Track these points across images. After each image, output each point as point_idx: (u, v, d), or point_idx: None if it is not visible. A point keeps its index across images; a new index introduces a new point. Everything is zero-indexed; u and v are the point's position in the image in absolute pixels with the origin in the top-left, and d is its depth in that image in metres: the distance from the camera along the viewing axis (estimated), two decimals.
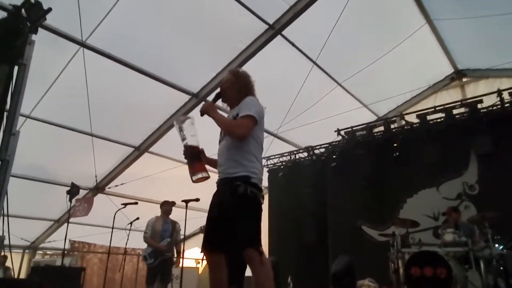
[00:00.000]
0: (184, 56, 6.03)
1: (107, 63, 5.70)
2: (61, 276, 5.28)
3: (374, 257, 5.79)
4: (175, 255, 5.78)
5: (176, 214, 5.91)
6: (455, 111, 6.40)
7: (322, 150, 7.99)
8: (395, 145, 6.71)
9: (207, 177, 2.49)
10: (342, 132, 7.48)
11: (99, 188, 8.19)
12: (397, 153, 6.63)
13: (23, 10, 2.35)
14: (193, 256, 10.03)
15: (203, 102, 6.53)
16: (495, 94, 6.07)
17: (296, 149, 8.45)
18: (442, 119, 6.48)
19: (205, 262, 9.96)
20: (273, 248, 7.77)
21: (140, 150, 7.61)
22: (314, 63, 6.70)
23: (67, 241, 6.38)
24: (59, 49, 5.29)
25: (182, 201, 5.03)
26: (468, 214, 5.50)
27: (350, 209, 6.89)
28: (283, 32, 6.00)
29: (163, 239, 5.56)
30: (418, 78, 8.10)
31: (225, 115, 2.56)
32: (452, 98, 7.55)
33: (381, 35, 6.76)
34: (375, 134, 7.22)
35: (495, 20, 6.02)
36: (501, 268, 4.25)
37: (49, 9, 2.41)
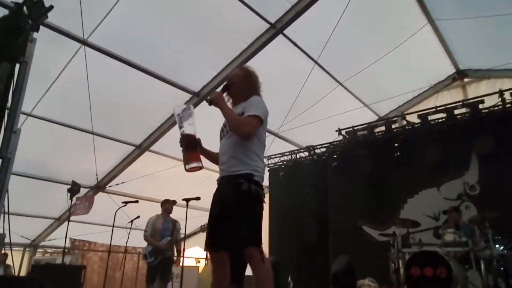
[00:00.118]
0: (186, 54, 6.03)
1: (108, 61, 5.70)
2: (61, 274, 5.29)
3: (375, 257, 5.79)
4: (175, 254, 5.78)
5: (176, 213, 5.91)
6: (456, 111, 6.39)
7: (323, 149, 7.99)
8: (396, 145, 6.70)
9: (201, 167, 2.46)
10: (343, 132, 7.47)
11: (100, 186, 8.20)
12: (398, 153, 6.62)
13: (24, 8, 2.34)
14: (193, 255, 10.03)
15: (204, 101, 6.54)
16: (497, 95, 6.07)
17: (297, 148, 8.45)
18: (444, 119, 6.48)
19: (205, 261, 9.98)
20: (274, 248, 7.78)
21: (141, 149, 7.62)
22: (316, 62, 6.70)
23: (68, 239, 6.41)
24: (60, 47, 5.30)
25: (183, 199, 5.03)
26: (469, 214, 5.49)
27: (350, 208, 6.89)
28: (285, 31, 5.99)
29: (163, 237, 5.56)
30: (420, 78, 8.09)
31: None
32: (454, 98, 7.53)
33: (382, 35, 6.75)
34: (376, 134, 7.21)
35: (497, 21, 6.01)
36: (502, 268, 4.25)
37: (51, 7, 2.41)
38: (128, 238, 5.79)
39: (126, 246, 5.94)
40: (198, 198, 5.00)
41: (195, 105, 6.68)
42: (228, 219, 2.21)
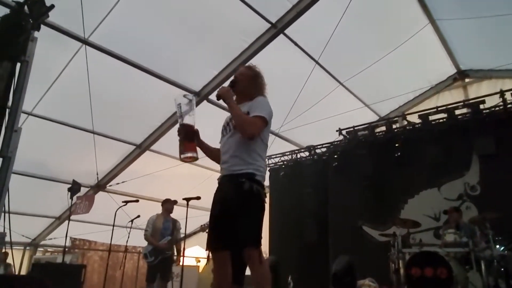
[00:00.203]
0: (186, 54, 6.03)
1: (109, 60, 5.70)
2: (61, 273, 5.29)
3: (375, 257, 5.79)
4: (175, 254, 5.79)
5: (176, 212, 5.92)
6: (457, 112, 6.39)
7: (324, 149, 7.98)
8: (396, 145, 6.69)
9: (196, 158, 2.44)
10: (344, 132, 7.47)
11: (100, 185, 8.21)
12: (399, 153, 6.61)
13: (25, 7, 2.34)
14: (193, 254, 10.03)
15: (204, 100, 6.54)
16: (498, 95, 6.06)
17: (297, 148, 8.45)
18: (444, 119, 6.47)
19: (205, 261, 9.97)
20: (274, 248, 7.78)
21: (141, 148, 7.62)
22: (317, 62, 6.69)
23: (68, 238, 6.40)
24: (61, 46, 5.30)
25: (183, 199, 5.03)
26: (469, 214, 5.48)
27: (351, 208, 6.88)
28: (286, 31, 5.98)
29: (164, 237, 5.56)
30: (421, 78, 8.08)
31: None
32: (455, 98, 7.52)
33: (383, 34, 6.74)
34: (377, 134, 7.20)
35: (498, 21, 6.00)
36: (502, 269, 4.25)
37: (52, 6, 2.41)
38: (128, 237, 5.79)
39: (126, 246, 5.94)
40: (198, 198, 5.00)
41: (196, 105, 6.67)
42: (229, 218, 2.20)
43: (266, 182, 8.20)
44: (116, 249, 8.21)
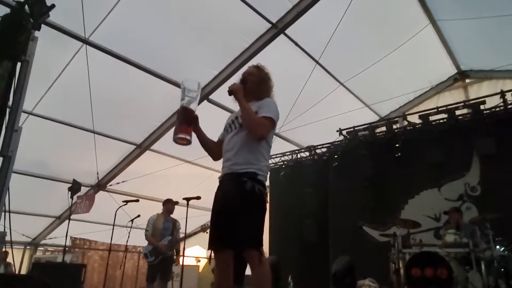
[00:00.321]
0: (187, 54, 6.03)
1: (109, 60, 5.71)
2: (62, 272, 5.30)
3: (375, 257, 5.78)
4: (175, 254, 5.79)
5: (177, 212, 5.92)
6: (457, 112, 6.38)
7: (324, 149, 7.98)
8: (397, 145, 6.69)
9: (189, 142, 2.39)
10: (344, 132, 7.47)
11: (101, 185, 8.21)
12: (399, 154, 6.61)
13: (26, 6, 2.34)
14: (193, 254, 10.04)
15: (205, 100, 6.53)
16: (498, 95, 6.06)
17: (298, 148, 8.45)
18: (445, 120, 6.47)
19: (206, 260, 9.98)
20: (274, 247, 7.78)
21: (141, 148, 7.62)
22: (317, 62, 6.69)
23: (68, 238, 6.41)
24: (62, 46, 5.30)
25: (183, 199, 5.03)
26: (470, 215, 5.48)
27: (351, 209, 6.88)
28: (286, 31, 5.98)
29: (164, 237, 5.57)
30: (421, 79, 8.07)
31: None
32: (455, 99, 7.52)
33: (384, 35, 6.74)
34: (377, 134, 7.20)
35: (499, 21, 5.99)
36: (502, 269, 4.24)
37: (52, 6, 2.41)
38: (128, 237, 5.80)
39: (126, 245, 5.94)
40: (198, 198, 5.00)
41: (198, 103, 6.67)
42: (231, 217, 2.18)
43: (266, 182, 8.24)
44: (116, 249, 8.22)
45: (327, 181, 7.53)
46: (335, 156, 7.53)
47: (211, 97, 6.66)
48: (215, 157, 2.60)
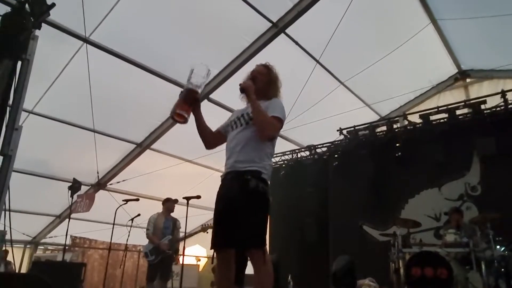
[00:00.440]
0: (187, 53, 6.02)
1: (110, 59, 5.70)
2: (62, 271, 5.30)
3: (375, 257, 5.79)
4: (175, 253, 5.80)
5: (177, 211, 5.92)
6: (458, 112, 6.38)
7: (324, 149, 7.98)
8: (397, 145, 6.69)
9: (185, 120, 2.35)
10: (345, 132, 7.47)
11: (101, 184, 8.22)
12: (399, 153, 6.60)
13: (26, 5, 2.34)
14: (193, 253, 10.05)
15: (205, 99, 6.53)
16: (499, 95, 6.05)
17: (298, 148, 8.44)
18: (445, 119, 6.47)
19: (205, 259, 9.99)
20: (274, 247, 7.77)
21: (142, 147, 7.62)
22: (317, 62, 6.69)
23: (68, 236, 6.41)
24: (62, 45, 5.30)
25: (183, 198, 5.03)
26: (470, 215, 5.48)
27: (351, 208, 6.88)
28: (287, 30, 5.98)
29: (165, 236, 5.57)
30: (422, 78, 8.07)
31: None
32: (456, 98, 7.51)
33: (385, 34, 6.73)
34: (378, 134, 7.20)
35: (500, 21, 5.98)
36: (502, 269, 4.23)
37: (53, 4, 2.40)
38: (128, 236, 5.80)
39: (126, 244, 5.94)
40: (198, 197, 5.00)
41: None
42: (234, 216, 2.16)
43: None
44: (116, 248, 8.22)
45: (327, 181, 7.53)
46: (335, 156, 7.53)
47: (211, 96, 6.66)
48: (208, 145, 2.57)
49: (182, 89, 2.42)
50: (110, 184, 8.29)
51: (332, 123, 7.42)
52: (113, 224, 5.59)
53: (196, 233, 6.07)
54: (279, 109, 2.34)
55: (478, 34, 6.76)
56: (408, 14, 6.54)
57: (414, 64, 7.48)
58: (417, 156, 6.41)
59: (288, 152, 8.36)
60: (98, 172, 7.68)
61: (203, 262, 10.00)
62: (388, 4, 6.25)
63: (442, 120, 6.51)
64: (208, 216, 9.20)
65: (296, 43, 6.27)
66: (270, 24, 5.85)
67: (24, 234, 8.74)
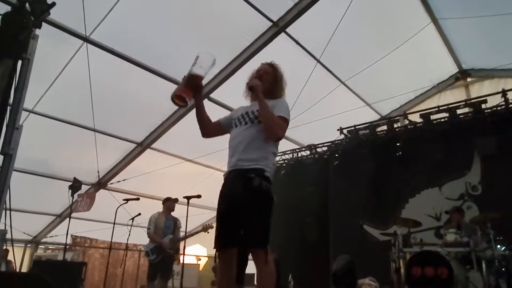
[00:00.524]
0: (188, 52, 5.96)
1: (110, 58, 5.70)
2: (62, 270, 5.31)
3: (376, 256, 5.79)
4: (176, 252, 5.80)
5: (177, 211, 5.92)
6: (459, 111, 6.38)
7: (325, 148, 7.98)
8: (398, 144, 6.69)
9: (185, 104, 2.32)
10: (345, 131, 7.47)
11: (101, 183, 8.22)
12: (400, 153, 6.60)
13: (27, 5, 2.34)
14: (194, 252, 10.05)
15: (205, 98, 6.53)
16: (500, 95, 6.04)
17: (298, 147, 8.44)
18: (446, 119, 6.46)
19: (205, 259, 9.99)
20: (275, 246, 7.71)
21: (142, 146, 7.62)
22: (318, 61, 6.68)
23: (69, 236, 6.41)
24: (62, 44, 5.30)
25: (184, 197, 5.03)
26: (471, 214, 5.48)
27: (352, 208, 6.88)
28: (287, 30, 5.97)
29: (166, 235, 5.57)
30: (422, 78, 8.06)
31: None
32: (456, 98, 7.51)
33: (385, 33, 6.73)
34: (378, 133, 7.20)
35: (501, 20, 5.97)
36: (503, 269, 4.23)
37: (53, 4, 2.40)
38: (129, 235, 5.80)
39: (127, 243, 5.95)
40: (199, 196, 5.00)
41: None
42: (237, 215, 2.14)
43: None
44: (117, 247, 8.22)
45: (327, 180, 7.53)
46: (336, 155, 7.53)
47: (211, 95, 6.66)
48: (205, 134, 2.55)
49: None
50: (110, 184, 8.30)
51: (333, 122, 7.42)
52: (114, 223, 5.59)
53: (197, 232, 6.06)
54: (285, 110, 2.32)
55: (479, 33, 6.76)
56: (409, 13, 6.53)
57: (414, 64, 7.47)
58: (417, 156, 6.40)
59: (289, 152, 8.36)
60: (98, 172, 7.68)
61: (203, 262, 10.00)
62: (388, 3, 6.25)
63: (442, 120, 6.50)
64: (208, 215, 9.21)
65: (297, 42, 6.27)
66: (271, 24, 5.84)
67: (24, 233, 8.74)
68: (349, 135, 7.44)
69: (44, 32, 2.55)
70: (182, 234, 5.65)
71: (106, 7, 5.05)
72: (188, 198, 4.97)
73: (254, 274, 2.22)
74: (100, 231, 8.78)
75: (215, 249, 2.26)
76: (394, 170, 6.66)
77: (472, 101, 6.41)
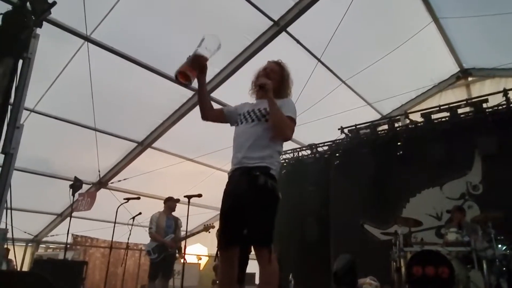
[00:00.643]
0: (189, 51, 5.99)
1: (111, 57, 5.70)
2: (63, 269, 5.31)
3: (376, 256, 5.78)
4: (177, 251, 5.80)
5: (177, 210, 5.93)
6: (460, 110, 6.36)
7: (326, 148, 7.97)
8: (398, 144, 6.68)
9: (189, 82, 2.29)
10: (346, 130, 7.46)
11: (102, 182, 8.22)
12: (401, 152, 6.59)
13: (28, 4, 2.34)
14: (195, 252, 10.06)
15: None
16: (501, 94, 6.03)
17: (299, 146, 8.44)
18: (447, 118, 6.45)
19: (206, 258, 10.00)
20: (275, 245, 7.75)
21: (143, 146, 7.62)
22: (319, 60, 6.67)
23: (70, 235, 6.42)
24: (63, 43, 5.30)
25: (185, 196, 5.03)
26: (471, 214, 5.47)
27: (352, 207, 6.87)
28: (288, 29, 5.97)
29: (167, 234, 5.59)
30: (423, 77, 8.05)
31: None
32: (457, 97, 7.50)
33: (386, 32, 6.71)
34: (379, 132, 7.19)
35: (502, 19, 5.96)
36: (504, 268, 4.23)
37: (54, 3, 2.40)
38: (129, 234, 5.81)
39: (127, 243, 5.95)
40: (199, 195, 5.00)
41: (198, 102, 6.65)
42: (241, 213, 2.13)
43: None
44: (117, 246, 8.23)
45: (328, 179, 7.52)
46: (337, 154, 7.52)
47: (212, 94, 6.65)
48: (204, 116, 2.52)
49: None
50: (111, 183, 8.30)
51: (334, 121, 7.41)
52: (115, 222, 5.59)
53: (198, 232, 6.06)
54: (293, 110, 2.32)
55: (480, 32, 6.74)
56: (410, 13, 6.52)
57: (415, 63, 7.46)
58: (418, 155, 6.39)
59: (290, 151, 8.35)
60: (99, 171, 7.68)
61: (204, 261, 10.01)
62: (389, 2, 6.24)
63: (443, 119, 6.50)
64: (209, 214, 9.21)
65: (298, 41, 6.26)
66: (272, 23, 5.83)
67: (25, 232, 8.76)
68: (350, 135, 7.43)
69: (45, 31, 2.55)
70: (183, 233, 5.66)
71: (107, 7, 5.04)
72: (189, 197, 4.97)
73: (254, 273, 2.22)
74: (101, 230, 8.79)
75: (218, 248, 2.26)
76: (395, 170, 6.65)
77: (473, 100, 6.40)
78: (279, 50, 6.15)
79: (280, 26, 5.84)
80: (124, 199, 5.82)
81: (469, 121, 6.27)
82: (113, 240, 5.80)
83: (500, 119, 5.92)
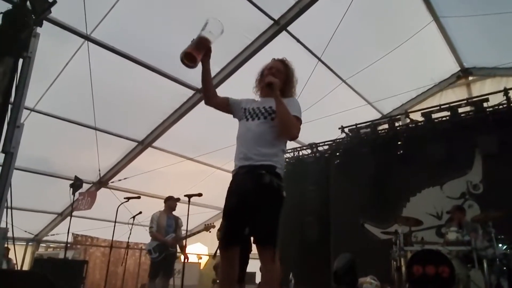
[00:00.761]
0: None
1: (111, 56, 5.70)
2: (63, 269, 5.32)
3: (377, 255, 5.78)
4: (178, 251, 5.80)
5: (178, 209, 5.92)
6: (460, 110, 6.36)
7: (326, 147, 7.97)
8: (399, 143, 6.68)
9: (194, 63, 2.22)
10: (346, 130, 7.46)
11: (102, 182, 8.22)
12: (401, 151, 6.60)
13: (28, 3, 2.33)
14: (195, 251, 10.07)
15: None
16: (501, 93, 6.02)
17: (299, 145, 8.43)
18: (447, 117, 6.45)
19: (206, 257, 10.00)
20: None
21: (143, 145, 7.62)
22: (319, 59, 6.67)
23: (70, 234, 6.42)
24: (63, 42, 5.30)
25: (185, 195, 5.03)
26: (472, 213, 5.48)
27: (353, 206, 6.87)
28: (288, 28, 5.96)
29: (168, 234, 5.58)
30: (424, 76, 8.04)
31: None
32: (458, 96, 7.50)
33: (387, 32, 6.71)
34: (379, 132, 7.18)
35: (503, 19, 5.95)
36: (504, 267, 4.24)
37: (54, 2, 2.39)
38: (130, 233, 5.80)
39: (128, 242, 5.95)
40: (200, 195, 5.00)
41: (198, 102, 6.66)
42: (245, 211, 2.12)
43: None
44: (118, 245, 8.23)
45: (328, 179, 7.52)
46: (337, 154, 7.52)
47: None
48: (208, 100, 2.48)
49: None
50: (111, 182, 8.30)
51: (334, 121, 7.40)
52: (115, 222, 5.59)
53: (199, 232, 6.06)
54: (298, 109, 2.31)
55: (480, 32, 6.74)
56: (411, 12, 6.51)
57: (416, 62, 7.45)
58: (419, 154, 6.39)
59: (290, 150, 8.34)
60: (99, 170, 7.68)
61: (204, 260, 10.01)
62: (390, 1, 6.23)
63: (444, 118, 6.49)
64: (209, 214, 9.22)
65: (298, 40, 6.25)
66: (272, 22, 5.83)
67: (26, 231, 8.77)
68: (350, 134, 7.43)
69: (45, 31, 2.55)
70: (183, 232, 5.66)
71: (107, 6, 5.04)
72: (189, 196, 4.96)
73: (255, 272, 2.22)
74: (101, 229, 8.80)
75: (219, 247, 2.25)
76: (395, 169, 6.65)
77: (474, 99, 6.40)
78: (280, 49, 6.14)
79: (280, 25, 5.83)
80: (124, 198, 5.81)
81: (469, 120, 6.26)
82: (114, 239, 5.80)
83: (500, 118, 5.92)
